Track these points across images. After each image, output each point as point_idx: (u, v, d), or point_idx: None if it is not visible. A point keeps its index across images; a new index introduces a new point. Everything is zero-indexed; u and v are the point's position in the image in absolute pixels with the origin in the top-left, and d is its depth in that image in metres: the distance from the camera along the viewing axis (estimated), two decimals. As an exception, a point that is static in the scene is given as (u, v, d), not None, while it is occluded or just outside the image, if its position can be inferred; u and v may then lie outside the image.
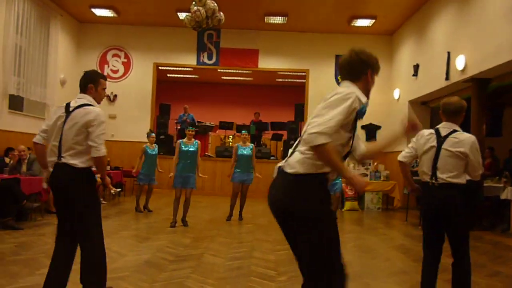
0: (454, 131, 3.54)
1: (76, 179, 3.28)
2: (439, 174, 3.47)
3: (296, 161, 2.28)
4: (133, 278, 4.25)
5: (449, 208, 3.47)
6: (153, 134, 9.51)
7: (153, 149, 9.26)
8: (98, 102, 3.51)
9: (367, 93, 2.48)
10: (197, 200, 9.11)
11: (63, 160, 3.27)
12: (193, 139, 7.72)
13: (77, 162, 3.27)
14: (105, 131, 3.31)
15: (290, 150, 2.42)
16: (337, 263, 2.24)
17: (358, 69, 2.49)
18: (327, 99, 2.31)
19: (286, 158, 2.38)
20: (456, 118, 3.62)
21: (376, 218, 9.97)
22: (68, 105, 3.37)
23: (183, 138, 7.94)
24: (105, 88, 3.55)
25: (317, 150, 2.14)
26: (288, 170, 2.28)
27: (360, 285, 4.38)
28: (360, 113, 2.33)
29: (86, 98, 3.40)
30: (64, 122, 3.29)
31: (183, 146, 7.56)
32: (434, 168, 3.50)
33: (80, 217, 3.31)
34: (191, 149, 7.57)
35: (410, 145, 3.74)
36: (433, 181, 3.51)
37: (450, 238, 3.54)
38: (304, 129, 2.33)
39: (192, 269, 4.68)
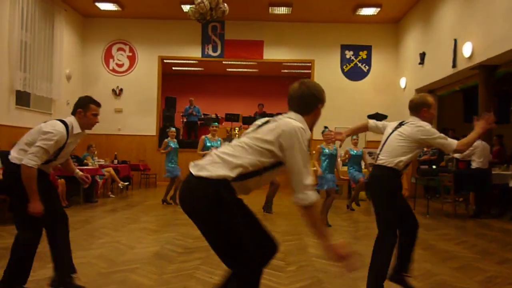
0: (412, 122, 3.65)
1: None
2: (380, 155, 3.66)
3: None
4: (142, 270, 4.29)
5: (372, 189, 3.75)
6: (173, 129, 9.95)
7: (175, 142, 9.55)
8: (88, 128, 3.55)
9: (312, 126, 2.53)
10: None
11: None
12: (216, 136, 7.93)
13: (13, 157, 3.38)
14: (49, 149, 3.29)
15: None
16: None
17: (310, 104, 2.50)
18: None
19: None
20: (417, 113, 3.70)
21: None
22: None
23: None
24: (97, 114, 3.54)
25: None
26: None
27: (368, 274, 4.38)
28: None
29: (68, 119, 3.48)
30: None
31: (208, 143, 7.73)
32: (380, 150, 3.70)
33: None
34: (214, 146, 7.78)
35: None
36: (374, 162, 3.75)
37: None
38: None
39: (201, 260, 4.71)
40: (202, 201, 2.25)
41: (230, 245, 2.31)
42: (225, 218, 2.28)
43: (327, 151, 7.20)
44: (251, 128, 2.50)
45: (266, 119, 2.52)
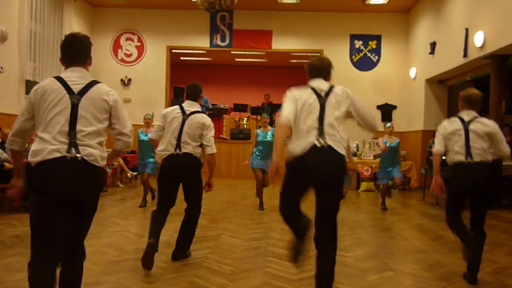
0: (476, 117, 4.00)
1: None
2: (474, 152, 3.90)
3: (342, 146, 2.98)
4: (152, 258, 4.31)
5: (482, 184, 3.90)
6: (148, 116, 8.48)
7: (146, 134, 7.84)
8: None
9: None
10: (214, 183, 9.17)
11: (183, 150, 4.19)
12: (269, 126, 7.73)
13: (197, 153, 4.29)
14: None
15: (316, 132, 2.98)
16: None
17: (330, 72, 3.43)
18: (353, 97, 3.15)
19: (324, 138, 2.94)
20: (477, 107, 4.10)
21: (393, 198, 9.91)
22: (183, 108, 4.32)
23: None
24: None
25: None
26: (341, 151, 2.96)
27: (378, 264, 4.38)
28: None
29: (196, 107, 4.39)
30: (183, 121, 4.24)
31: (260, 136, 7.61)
32: (467, 148, 3.91)
33: (197, 189, 4.46)
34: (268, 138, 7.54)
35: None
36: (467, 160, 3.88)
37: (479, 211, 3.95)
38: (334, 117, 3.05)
39: (210, 249, 4.74)
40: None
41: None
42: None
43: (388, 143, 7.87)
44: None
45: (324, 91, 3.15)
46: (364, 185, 11.03)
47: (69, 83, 2.58)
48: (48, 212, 2.43)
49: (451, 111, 12.06)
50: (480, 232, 3.91)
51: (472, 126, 3.92)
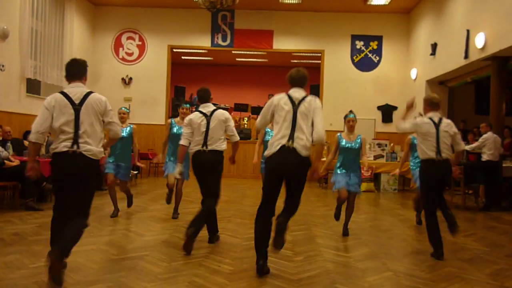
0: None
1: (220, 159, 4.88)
2: (443, 152, 4.68)
3: (304, 149, 3.79)
4: (151, 257, 4.32)
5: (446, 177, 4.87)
6: (123, 109, 6.90)
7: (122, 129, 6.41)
8: None
9: None
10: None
11: (209, 147, 4.73)
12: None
13: (222, 148, 4.81)
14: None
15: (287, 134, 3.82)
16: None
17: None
18: (316, 108, 3.90)
19: (293, 141, 3.77)
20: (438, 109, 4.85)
21: (392, 199, 9.92)
22: (203, 112, 4.86)
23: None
24: None
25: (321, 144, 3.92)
26: (303, 154, 3.79)
27: (377, 264, 4.39)
28: None
29: (211, 106, 4.93)
30: (208, 122, 4.77)
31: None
32: (438, 147, 4.67)
33: (217, 180, 4.83)
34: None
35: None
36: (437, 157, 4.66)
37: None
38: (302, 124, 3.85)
39: (209, 249, 4.74)
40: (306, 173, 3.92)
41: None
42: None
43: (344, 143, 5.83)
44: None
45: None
46: (364, 186, 11.01)
47: (71, 96, 3.59)
48: (59, 184, 3.60)
49: (451, 112, 12.08)
50: (448, 211, 4.84)
51: (442, 127, 4.65)
